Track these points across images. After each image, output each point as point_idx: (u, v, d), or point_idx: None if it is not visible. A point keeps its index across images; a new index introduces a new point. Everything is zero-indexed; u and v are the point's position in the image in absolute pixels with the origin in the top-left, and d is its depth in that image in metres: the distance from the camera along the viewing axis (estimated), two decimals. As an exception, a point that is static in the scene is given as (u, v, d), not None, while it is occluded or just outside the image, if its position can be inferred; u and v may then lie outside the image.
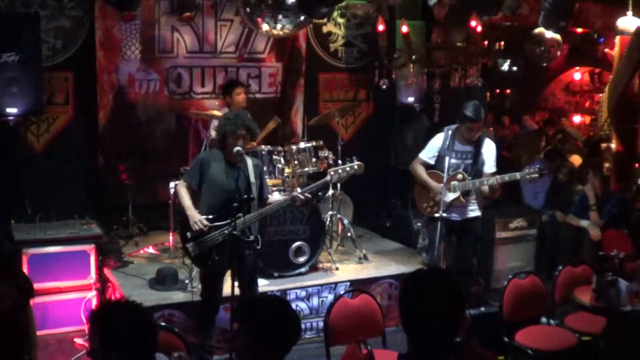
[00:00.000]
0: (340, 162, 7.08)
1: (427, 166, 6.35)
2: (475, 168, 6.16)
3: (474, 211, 6.32)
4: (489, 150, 6.26)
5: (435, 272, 3.12)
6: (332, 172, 5.71)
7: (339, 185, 7.38)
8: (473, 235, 6.41)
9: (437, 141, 6.33)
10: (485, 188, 6.11)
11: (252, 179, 5.30)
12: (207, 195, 5.35)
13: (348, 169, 5.76)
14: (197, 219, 5.25)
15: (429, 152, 6.36)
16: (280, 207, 5.69)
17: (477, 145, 6.21)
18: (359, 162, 5.82)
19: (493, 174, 6.16)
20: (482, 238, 6.76)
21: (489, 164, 6.24)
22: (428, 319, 2.72)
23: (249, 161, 5.38)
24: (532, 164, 6.33)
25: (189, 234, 5.35)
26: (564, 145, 9.89)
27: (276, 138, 8.28)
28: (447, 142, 6.20)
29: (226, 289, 5.50)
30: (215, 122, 7.17)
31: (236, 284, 5.11)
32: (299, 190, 5.56)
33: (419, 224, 7.74)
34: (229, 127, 5.31)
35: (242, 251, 5.27)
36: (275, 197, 5.76)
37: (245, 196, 5.13)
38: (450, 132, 6.26)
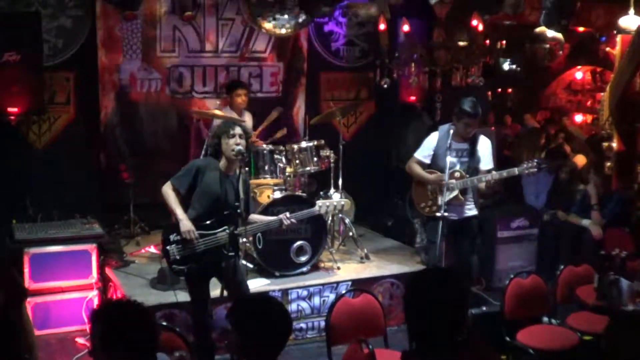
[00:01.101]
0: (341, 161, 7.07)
1: (423, 165, 6.33)
2: (472, 165, 6.15)
3: (471, 210, 6.30)
4: (484, 146, 6.25)
5: (439, 271, 3.14)
6: (320, 204, 5.67)
7: (340, 185, 7.37)
8: (471, 234, 6.40)
9: (432, 140, 6.32)
10: (482, 185, 6.09)
11: (242, 194, 5.23)
12: (196, 202, 5.27)
13: (335, 204, 5.74)
14: (189, 228, 5.17)
15: (424, 151, 6.35)
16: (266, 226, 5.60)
17: (473, 143, 6.20)
18: (346, 200, 5.88)
19: (489, 171, 6.15)
20: (479, 236, 6.75)
21: (486, 160, 6.22)
22: (432, 317, 2.73)
23: (240, 175, 5.27)
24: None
25: (172, 237, 5.26)
26: (570, 144, 9.87)
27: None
28: (443, 141, 6.19)
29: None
30: (217, 122, 7.18)
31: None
32: (287, 214, 5.46)
33: (416, 220, 7.73)
34: (222, 129, 5.31)
35: (220, 263, 5.22)
36: (256, 217, 5.65)
37: (238, 210, 5.13)
38: (444, 130, 6.26)
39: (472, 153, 6.16)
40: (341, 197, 5.84)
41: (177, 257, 5.26)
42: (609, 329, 3.00)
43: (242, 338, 3.01)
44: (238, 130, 5.24)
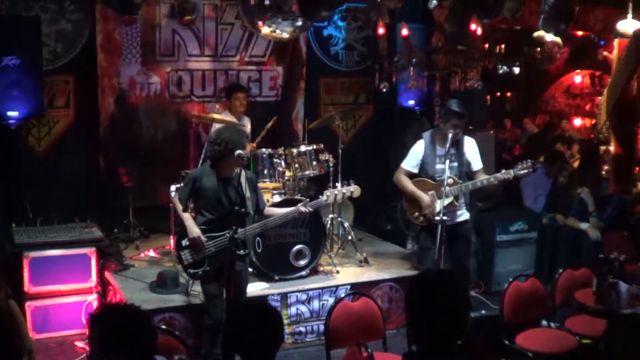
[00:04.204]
0: (340, 166, 7.07)
1: (411, 175, 6.27)
2: (461, 169, 6.13)
3: (462, 215, 6.28)
4: (470, 148, 6.22)
5: (441, 273, 3.15)
6: (328, 193, 5.73)
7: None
8: (464, 238, 6.36)
9: (419, 149, 6.24)
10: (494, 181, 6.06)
11: (247, 193, 5.33)
12: (202, 208, 5.47)
13: (345, 191, 5.76)
14: (196, 234, 5.35)
15: (411, 161, 6.27)
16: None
17: (458, 147, 6.17)
18: (355, 186, 5.85)
19: (481, 170, 6.14)
20: (476, 241, 6.73)
21: (475, 161, 6.20)
22: (434, 320, 2.74)
23: (243, 174, 5.36)
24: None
25: (183, 243, 5.44)
26: (579, 145, 9.90)
27: (276, 137, 8.29)
28: (430, 148, 6.15)
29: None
30: (216, 126, 7.19)
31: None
32: (306, 203, 5.65)
33: (408, 232, 7.73)
34: (235, 138, 5.37)
35: (232, 263, 5.34)
36: (273, 210, 5.79)
37: (241, 209, 5.21)
38: (429, 137, 6.22)
39: (460, 157, 6.14)
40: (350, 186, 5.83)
41: (190, 261, 5.44)
42: (607, 332, 3.00)
43: (237, 342, 3.05)
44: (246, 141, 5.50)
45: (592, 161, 8.80)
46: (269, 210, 5.71)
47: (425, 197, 6.11)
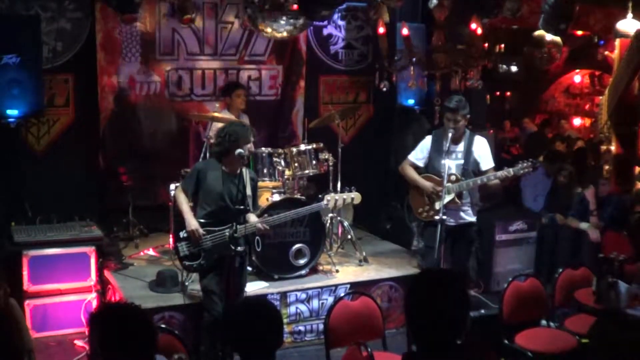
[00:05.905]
0: (340, 165, 7.07)
1: (417, 169, 6.27)
2: (467, 167, 6.08)
3: (469, 216, 6.21)
4: (480, 147, 6.17)
5: (441, 273, 3.16)
6: (328, 198, 5.80)
7: (339, 188, 7.38)
8: (467, 240, 6.30)
9: (426, 143, 6.27)
10: (495, 182, 6.03)
11: (248, 191, 5.37)
12: (203, 202, 5.47)
13: (345, 197, 5.82)
14: (194, 227, 5.38)
15: (418, 154, 6.29)
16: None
17: (467, 145, 6.15)
18: (356, 193, 5.94)
19: (491, 170, 6.11)
20: (477, 241, 6.71)
21: (485, 160, 6.15)
22: (434, 319, 2.75)
23: (246, 172, 5.40)
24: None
25: (181, 234, 5.48)
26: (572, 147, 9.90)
27: (276, 141, 8.31)
28: (437, 144, 6.14)
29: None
30: (215, 125, 7.19)
31: None
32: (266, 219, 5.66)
33: (413, 224, 7.71)
34: (238, 131, 5.39)
35: (232, 260, 5.30)
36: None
37: (242, 207, 5.23)
38: (439, 133, 6.23)
39: (467, 155, 6.12)
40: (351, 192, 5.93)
41: (187, 253, 5.49)
42: (594, 328, 2.97)
43: (236, 341, 3.08)
44: (251, 138, 5.49)
45: (583, 162, 8.78)
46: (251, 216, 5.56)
47: (427, 183, 6.11)
